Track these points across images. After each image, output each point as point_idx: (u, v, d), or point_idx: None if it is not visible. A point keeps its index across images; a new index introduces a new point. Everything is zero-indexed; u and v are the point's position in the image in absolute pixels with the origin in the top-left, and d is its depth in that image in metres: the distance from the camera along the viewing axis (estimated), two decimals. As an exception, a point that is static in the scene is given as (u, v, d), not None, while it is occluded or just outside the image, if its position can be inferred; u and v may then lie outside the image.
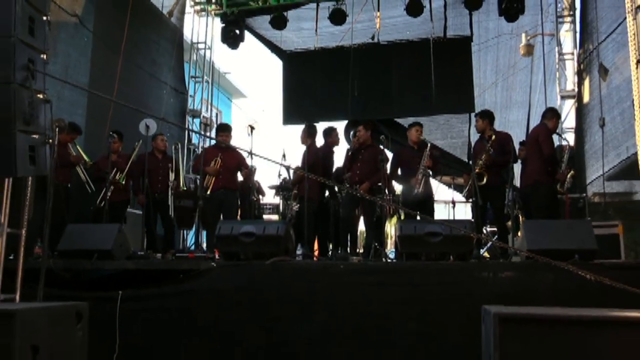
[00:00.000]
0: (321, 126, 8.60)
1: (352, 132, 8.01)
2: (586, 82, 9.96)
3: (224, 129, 8.32)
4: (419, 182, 7.30)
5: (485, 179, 7.04)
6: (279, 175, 8.62)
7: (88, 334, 3.74)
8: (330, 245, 8.47)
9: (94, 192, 7.53)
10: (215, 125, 13.39)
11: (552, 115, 7.29)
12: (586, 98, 9.93)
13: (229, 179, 7.96)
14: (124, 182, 7.81)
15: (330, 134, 8.29)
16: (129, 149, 8.10)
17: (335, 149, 8.34)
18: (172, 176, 8.04)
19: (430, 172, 7.49)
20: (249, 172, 8.18)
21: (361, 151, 7.68)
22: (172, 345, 5.40)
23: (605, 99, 8.71)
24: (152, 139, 8.26)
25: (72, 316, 3.62)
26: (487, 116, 7.58)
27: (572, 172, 7.08)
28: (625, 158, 7.93)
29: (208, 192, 7.80)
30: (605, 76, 8.55)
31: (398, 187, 9.08)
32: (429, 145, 7.50)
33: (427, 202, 7.49)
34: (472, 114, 10.07)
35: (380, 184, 7.59)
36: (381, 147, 7.41)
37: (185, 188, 8.15)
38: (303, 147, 7.91)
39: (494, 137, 7.19)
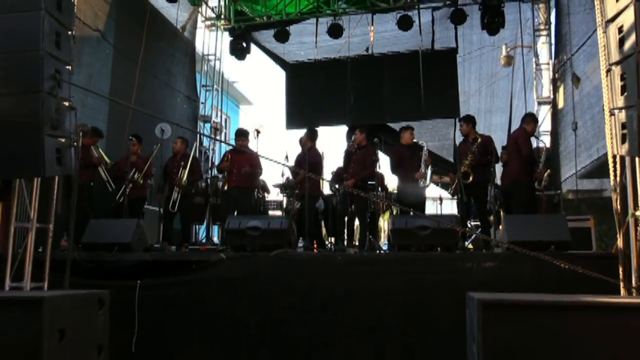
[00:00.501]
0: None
1: (352, 137, 7.96)
2: (561, 90, 9.97)
3: (241, 134, 8.26)
4: (423, 176, 7.30)
5: (471, 178, 7.06)
6: (282, 174, 8.62)
7: (109, 319, 3.75)
8: (332, 239, 8.43)
9: (114, 190, 7.52)
10: (224, 130, 13.41)
11: (530, 119, 7.30)
12: (561, 104, 9.94)
13: (243, 178, 7.91)
14: (141, 181, 7.79)
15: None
16: (147, 151, 8.09)
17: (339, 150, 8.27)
18: (181, 172, 7.99)
19: (429, 169, 7.48)
20: (256, 172, 8.09)
21: (356, 152, 7.68)
22: (185, 329, 5.40)
23: (578, 105, 8.72)
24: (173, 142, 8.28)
25: (95, 303, 3.63)
26: (470, 121, 7.58)
27: (549, 171, 7.08)
28: (596, 158, 7.95)
29: (225, 188, 7.79)
30: (578, 84, 8.56)
31: (390, 185, 9.08)
32: (425, 145, 7.54)
33: (421, 202, 7.53)
34: (457, 119, 10.12)
35: (373, 182, 7.61)
36: (375, 148, 7.43)
37: (185, 183, 8.03)
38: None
39: (479, 139, 7.21)
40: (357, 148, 7.68)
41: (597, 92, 7.85)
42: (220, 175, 8.15)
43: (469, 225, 8.31)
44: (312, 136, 8.01)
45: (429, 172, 7.32)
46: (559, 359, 2.78)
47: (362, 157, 7.56)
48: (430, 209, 10.23)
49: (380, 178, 7.97)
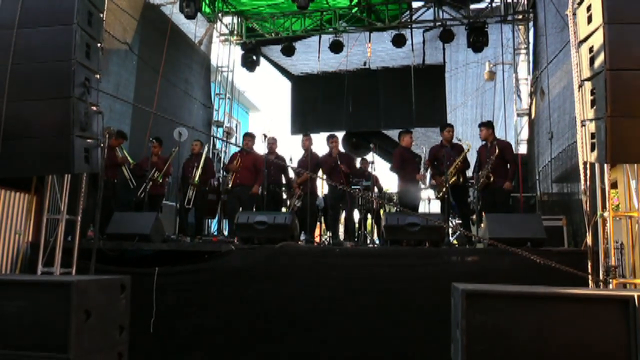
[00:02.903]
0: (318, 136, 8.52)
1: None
2: (534, 102, 9.96)
3: (248, 135, 8.26)
4: (423, 177, 7.28)
5: (461, 179, 7.02)
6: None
7: (130, 302, 3.74)
8: (330, 233, 8.37)
9: (136, 187, 7.52)
10: (235, 134, 13.40)
11: (482, 127, 7.26)
12: (533, 114, 9.93)
13: (246, 176, 7.83)
14: (161, 180, 7.76)
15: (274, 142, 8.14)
16: (166, 152, 8.08)
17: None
18: (195, 172, 7.96)
19: (429, 170, 7.42)
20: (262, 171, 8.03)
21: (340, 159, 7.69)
22: (198, 311, 5.41)
23: (542, 114, 8.69)
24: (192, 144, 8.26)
25: (117, 287, 3.63)
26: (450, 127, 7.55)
27: (485, 174, 6.92)
28: (549, 160, 7.96)
29: (229, 186, 7.77)
30: (543, 96, 8.53)
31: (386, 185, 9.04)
32: (424, 150, 7.52)
33: (418, 202, 7.51)
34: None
35: (368, 182, 7.62)
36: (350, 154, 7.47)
37: (197, 182, 7.89)
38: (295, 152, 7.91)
39: (468, 148, 7.15)
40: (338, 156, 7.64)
41: (553, 104, 7.85)
42: (228, 175, 8.10)
43: (452, 224, 8.28)
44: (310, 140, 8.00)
45: (428, 174, 7.28)
46: (534, 343, 2.77)
47: (347, 162, 7.64)
48: (419, 207, 10.21)
49: (374, 179, 7.93)
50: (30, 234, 5.63)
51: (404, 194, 7.43)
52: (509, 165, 6.98)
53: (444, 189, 6.92)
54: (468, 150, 7.10)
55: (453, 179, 6.94)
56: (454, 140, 7.41)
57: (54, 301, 3.15)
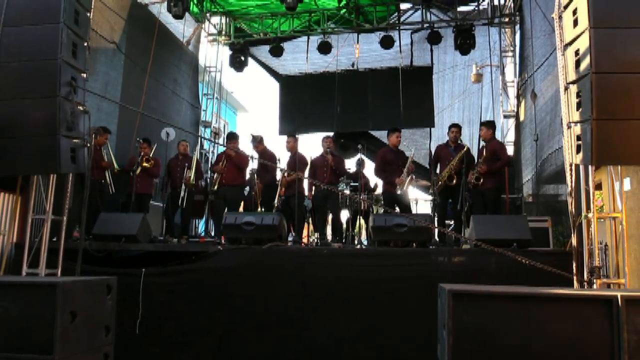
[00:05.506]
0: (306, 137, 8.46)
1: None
2: (522, 104, 10.04)
3: (232, 138, 8.26)
4: (403, 182, 7.06)
5: (454, 181, 7.00)
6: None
7: (117, 303, 3.72)
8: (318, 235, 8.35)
9: (125, 186, 7.49)
10: (222, 134, 13.34)
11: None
12: (522, 117, 10.01)
13: (231, 177, 7.81)
14: (153, 161, 7.71)
15: (261, 142, 8.07)
16: (156, 153, 8.06)
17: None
18: (187, 172, 7.92)
19: (413, 176, 7.31)
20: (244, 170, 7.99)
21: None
22: (185, 312, 5.38)
23: (534, 117, 8.77)
24: (177, 144, 8.21)
25: (103, 288, 3.61)
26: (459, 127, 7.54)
27: (475, 176, 6.97)
28: (540, 162, 8.05)
29: (215, 187, 7.74)
30: (534, 99, 8.59)
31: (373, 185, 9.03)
32: (413, 151, 7.51)
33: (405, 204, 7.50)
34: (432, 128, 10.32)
35: (356, 183, 7.61)
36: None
37: (193, 182, 7.93)
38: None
39: (465, 148, 7.17)
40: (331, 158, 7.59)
41: (546, 107, 7.93)
42: (214, 175, 8.08)
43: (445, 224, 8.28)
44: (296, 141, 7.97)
45: (407, 179, 7.17)
46: (520, 343, 2.80)
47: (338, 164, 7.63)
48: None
49: (363, 180, 7.94)
50: (15, 234, 5.57)
51: (385, 196, 7.46)
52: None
53: (435, 188, 6.96)
54: (465, 150, 7.11)
55: (444, 180, 6.97)
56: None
57: (39, 302, 3.12)
